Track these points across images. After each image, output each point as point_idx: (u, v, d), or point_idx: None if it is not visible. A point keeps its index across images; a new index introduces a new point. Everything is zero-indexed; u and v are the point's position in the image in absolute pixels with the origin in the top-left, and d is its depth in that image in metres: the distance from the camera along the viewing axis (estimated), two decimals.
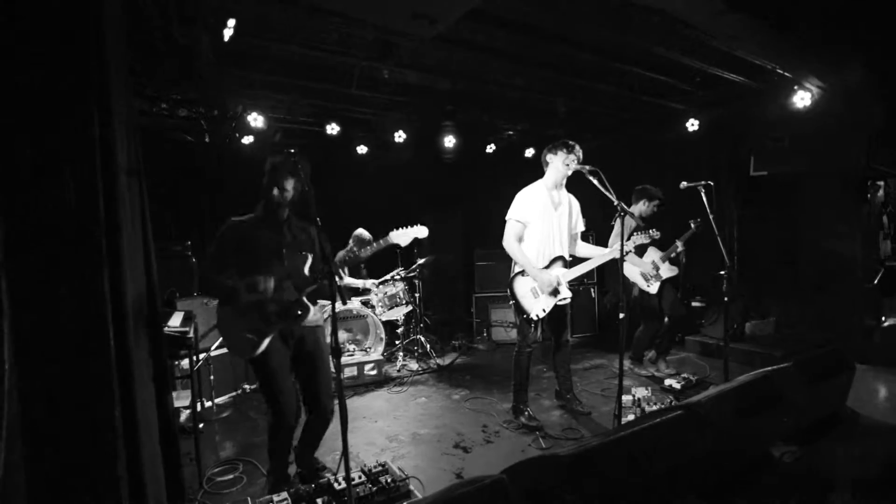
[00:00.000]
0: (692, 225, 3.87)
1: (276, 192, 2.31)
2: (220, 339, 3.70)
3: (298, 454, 2.57)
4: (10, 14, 1.34)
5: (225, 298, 2.32)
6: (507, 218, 3.16)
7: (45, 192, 1.42)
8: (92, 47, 1.50)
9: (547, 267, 3.14)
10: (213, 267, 2.32)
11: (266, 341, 2.27)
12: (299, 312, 2.34)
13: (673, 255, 4.05)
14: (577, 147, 3.10)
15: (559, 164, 3.10)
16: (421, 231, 2.63)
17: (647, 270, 4.01)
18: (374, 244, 2.59)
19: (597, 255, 3.20)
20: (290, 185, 2.33)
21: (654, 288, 4.05)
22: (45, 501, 1.44)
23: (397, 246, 2.62)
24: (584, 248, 3.34)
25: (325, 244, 2.14)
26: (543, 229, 3.14)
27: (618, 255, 2.80)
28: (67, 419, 1.48)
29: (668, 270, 4.08)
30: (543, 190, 3.18)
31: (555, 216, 3.17)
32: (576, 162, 3.06)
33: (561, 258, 3.17)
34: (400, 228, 2.60)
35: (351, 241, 4.76)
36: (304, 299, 2.36)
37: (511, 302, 3.20)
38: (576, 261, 3.26)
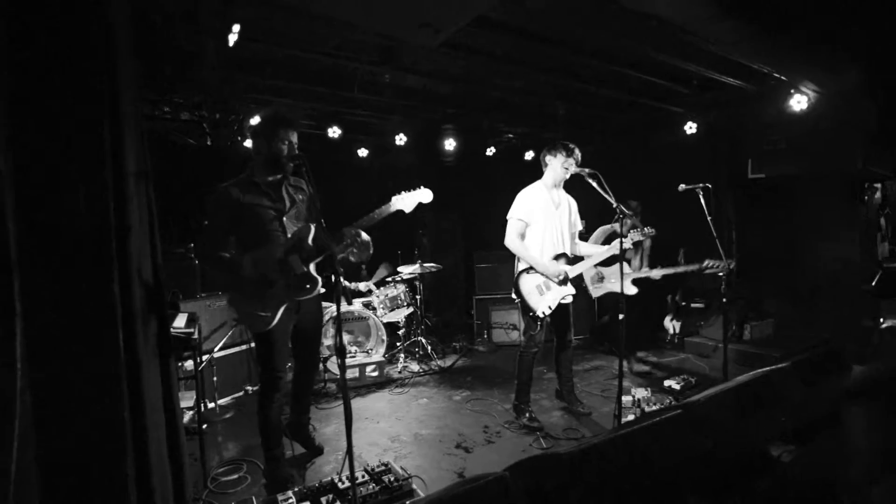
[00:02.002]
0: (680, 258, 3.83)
1: (282, 146, 2.29)
2: (228, 322, 3.83)
3: (294, 425, 2.70)
4: (25, 23, 1.38)
5: (231, 277, 2.29)
6: (508, 217, 3.20)
7: (57, 194, 1.45)
8: (102, 56, 1.53)
9: None
10: (212, 243, 2.28)
11: (279, 314, 2.31)
12: (308, 286, 2.34)
13: (643, 276, 3.98)
14: (577, 150, 3.14)
15: (558, 167, 3.15)
16: (425, 195, 2.55)
17: (591, 275, 4.11)
18: (376, 212, 2.47)
19: (596, 253, 3.24)
20: (294, 137, 2.32)
21: (595, 293, 4.17)
22: (57, 498, 1.46)
23: (401, 212, 2.57)
24: (582, 247, 3.39)
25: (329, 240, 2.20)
26: (546, 228, 3.18)
27: (616, 252, 2.85)
28: (78, 418, 1.51)
29: (626, 287, 3.99)
30: (543, 190, 3.22)
31: (556, 215, 3.22)
32: (574, 165, 3.10)
33: (563, 255, 3.21)
34: (402, 192, 2.52)
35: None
36: (312, 272, 2.36)
37: (517, 300, 3.22)
38: (575, 259, 3.31)
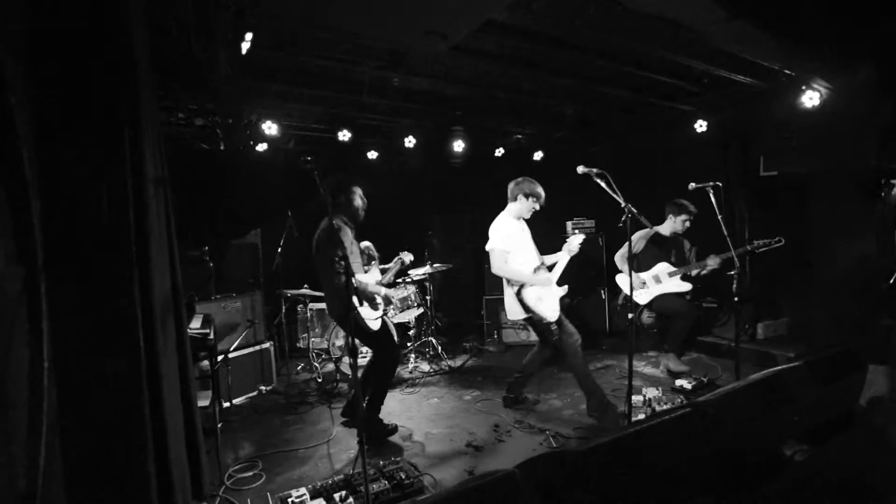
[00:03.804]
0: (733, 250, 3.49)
1: (361, 201, 3.22)
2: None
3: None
4: (49, 36, 1.44)
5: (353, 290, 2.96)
6: (490, 248, 3.37)
7: (81, 201, 1.52)
8: (123, 67, 1.60)
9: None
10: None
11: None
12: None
13: (694, 273, 4.04)
14: (543, 196, 3.44)
15: (524, 208, 3.43)
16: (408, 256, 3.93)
17: (634, 283, 4.09)
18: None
19: (560, 261, 3.44)
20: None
21: (640, 298, 4.14)
22: (81, 494, 1.52)
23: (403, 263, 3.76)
24: (546, 259, 3.61)
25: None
26: (524, 251, 3.42)
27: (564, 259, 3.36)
28: (101, 416, 1.57)
29: (675, 286, 4.08)
30: (512, 219, 3.46)
31: (525, 237, 3.49)
32: (536, 209, 3.45)
33: (542, 266, 3.46)
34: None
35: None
36: None
37: (526, 317, 3.32)
38: (549, 268, 3.53)
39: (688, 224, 4.13)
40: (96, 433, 1.55)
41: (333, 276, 2.97)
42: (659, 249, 4.21)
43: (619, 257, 4.30)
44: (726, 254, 3.75)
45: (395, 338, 3.37)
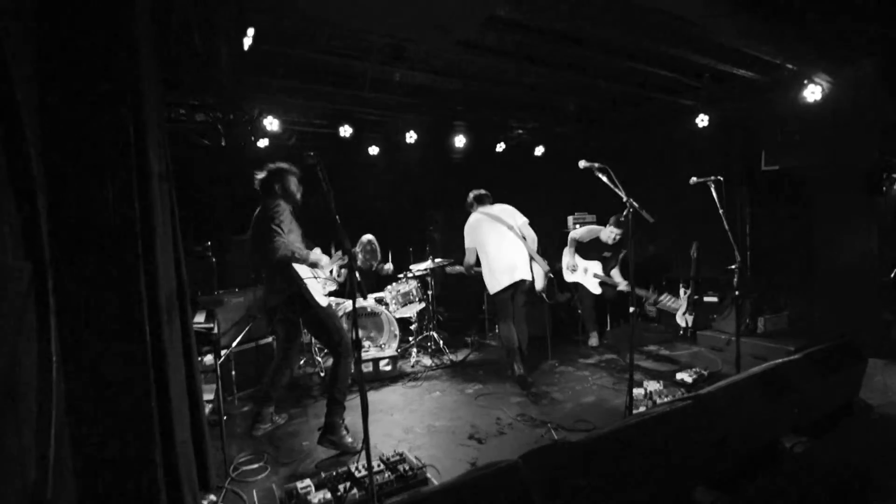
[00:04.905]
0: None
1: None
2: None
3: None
4: (54, 33, 1.45)
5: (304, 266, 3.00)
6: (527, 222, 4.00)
7: (87, 196, 1.53)
8: (128, 64, 1.60)
9: None
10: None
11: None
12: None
13: (609, 282, 4.76)
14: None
15: None
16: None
17: (567, 262, 4.99)
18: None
19: None
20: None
21: (568, 277, 4.99)
22: (90, 485, 1.55)
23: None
24: None
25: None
26: None
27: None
28: (109, 409, 1.59)
29: (592, 285, 4.83)
30: None
31: None
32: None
33: None
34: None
35: (357, 248, 4.84)
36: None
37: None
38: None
39: (617, 238, 4.69)
40: (104, 425, 1.57)
41: (272, 252, 2.75)
42: (596, 248, 4.86)
43: (571, 240, 4.99)
44: (634, 290, 4.40)
45: (343, 325, 3.13)
